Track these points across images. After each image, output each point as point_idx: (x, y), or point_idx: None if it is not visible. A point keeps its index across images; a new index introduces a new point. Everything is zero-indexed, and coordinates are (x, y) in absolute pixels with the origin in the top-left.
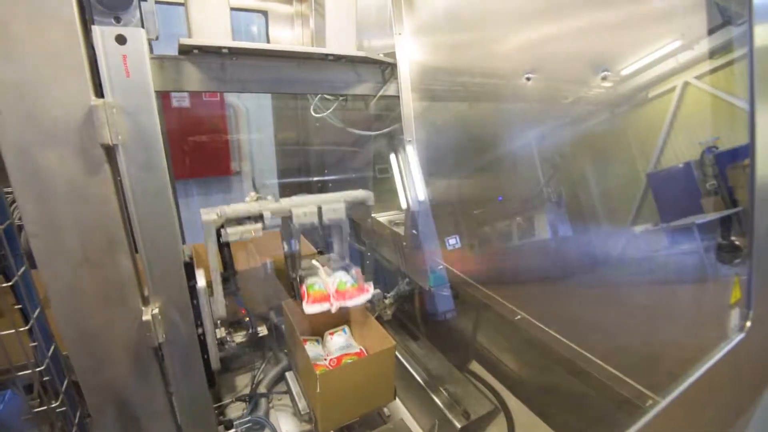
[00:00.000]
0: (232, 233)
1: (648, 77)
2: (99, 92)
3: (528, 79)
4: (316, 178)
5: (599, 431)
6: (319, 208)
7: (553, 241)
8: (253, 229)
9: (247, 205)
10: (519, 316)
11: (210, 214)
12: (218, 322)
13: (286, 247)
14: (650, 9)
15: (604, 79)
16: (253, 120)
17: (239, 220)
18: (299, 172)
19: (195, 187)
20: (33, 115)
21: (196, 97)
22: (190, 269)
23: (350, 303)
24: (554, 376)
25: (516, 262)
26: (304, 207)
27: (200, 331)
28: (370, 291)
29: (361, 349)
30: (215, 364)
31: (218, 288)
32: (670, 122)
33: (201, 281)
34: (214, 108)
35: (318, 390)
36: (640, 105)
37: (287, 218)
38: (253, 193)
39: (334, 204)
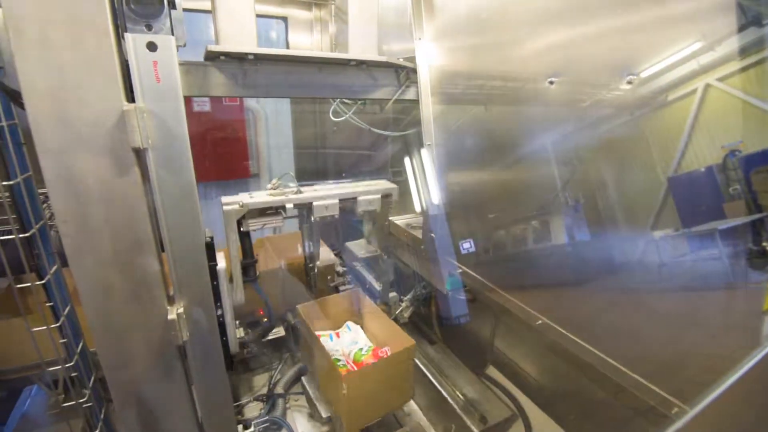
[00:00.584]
0: (253, 224)
1: (668, 80)
2: (130, 97)
3: (551, 83)
4: (332, 182)
5: None
6: (354, 199)
7: (572, 246)
8: (274, 220)
9: (269, 196)
10: (540, 321)
11: (232, 205)
12: (237, 322)
13: (305, 240)
14: (671, 11)
15: (629, 83)
16: (272, 124)
17: (261, 211)
18: (317, 174)
19: (214, 189)
20: (68, 119)
21: (216, 101)
22: (210, 250)
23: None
24: (574, 383)
25: (535, 266)
26: (324, 200)
27: (219, 312)
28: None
29: (374, 347)
30: (234, 347)
31: (238, 276)
32: (691, 125)
33: (221, 263)
34: (233, 112)
35: (344, 391)
36: (660, 108)
37: (308, 210)
38: (274, 180)
39: (370, 195)
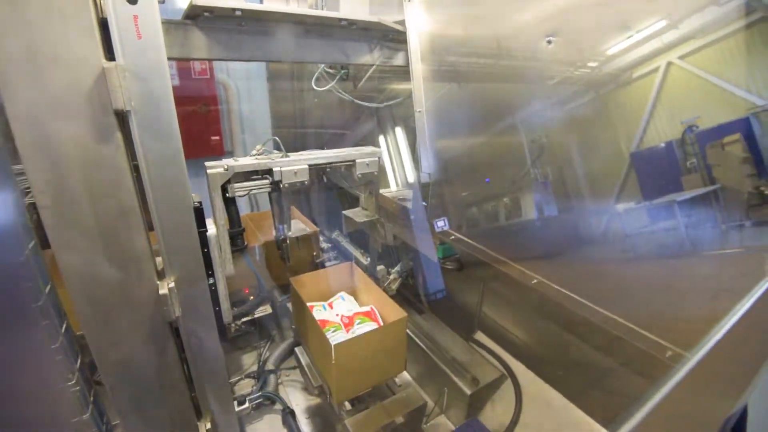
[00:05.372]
0: (239, 188)
1: (634, 57)
2: (109, 56)
3: (549, 42)
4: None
5: (614, 390)
6: (352, 162)
7: (562, 216)
8: (261, 185)
9: (255, 160)
10: (535, 280)
11: (216, 168)
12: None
13: (275, 210)
14: None
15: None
16: (245, 99)
17: (247, 176)
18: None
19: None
20: (42, 80)
21: (185, 75)
22: (199, 215)
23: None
24: (559, 341)
25: (525, 234)
26: (316, 160)
27: (211, 281)
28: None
29: (371, 308)
30: (227, 318)
31: (226, 245)
32: (653, 102)
33: (211, 228)
34: (203, 86)
35: (333, 360)
36: (626, 85)
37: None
38: (258, 146)
39: (367, 158)
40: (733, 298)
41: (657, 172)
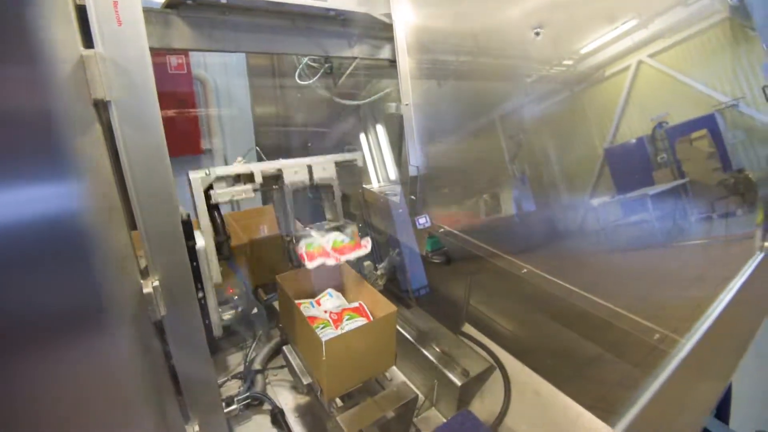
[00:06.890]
0: (221, 194)
1: (606, 55)
2: (88, 43)
3: (537, 33)
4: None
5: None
6: (309, 167)
7: (547, 210)
8: (243, 190)
9: (237, 165)
10: (525, 270)
11: (198, 173)
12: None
13: (278, 212)
14: None
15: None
16: (224, 95)
17: (229, 181)
18: (279, 149)
19: None
20: (13, 68)
21: (160, 70)
22: (188, 228)
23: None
24: (547, 331)
25: (514, 228)
26: (294, 167)
27: (200, 295)
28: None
29: (360, 304)
30: (217, 331)
31: (212, 254)
32: (625, 99)
33: (200, 242)
34: (180, 82)
35: (324, 357)
36: (599, 83)
37: (279, 181)
38: (240, 158)
39: (324, 164)
40: (707, 284)
41: (630, 167)
